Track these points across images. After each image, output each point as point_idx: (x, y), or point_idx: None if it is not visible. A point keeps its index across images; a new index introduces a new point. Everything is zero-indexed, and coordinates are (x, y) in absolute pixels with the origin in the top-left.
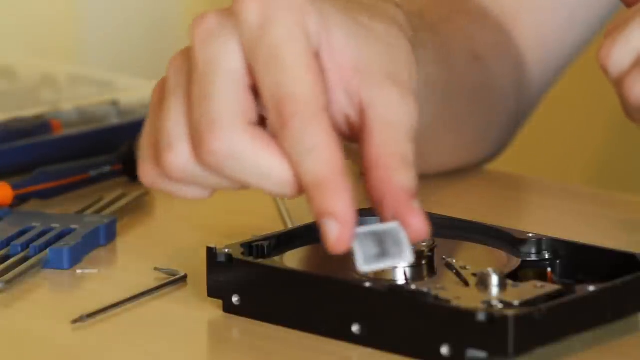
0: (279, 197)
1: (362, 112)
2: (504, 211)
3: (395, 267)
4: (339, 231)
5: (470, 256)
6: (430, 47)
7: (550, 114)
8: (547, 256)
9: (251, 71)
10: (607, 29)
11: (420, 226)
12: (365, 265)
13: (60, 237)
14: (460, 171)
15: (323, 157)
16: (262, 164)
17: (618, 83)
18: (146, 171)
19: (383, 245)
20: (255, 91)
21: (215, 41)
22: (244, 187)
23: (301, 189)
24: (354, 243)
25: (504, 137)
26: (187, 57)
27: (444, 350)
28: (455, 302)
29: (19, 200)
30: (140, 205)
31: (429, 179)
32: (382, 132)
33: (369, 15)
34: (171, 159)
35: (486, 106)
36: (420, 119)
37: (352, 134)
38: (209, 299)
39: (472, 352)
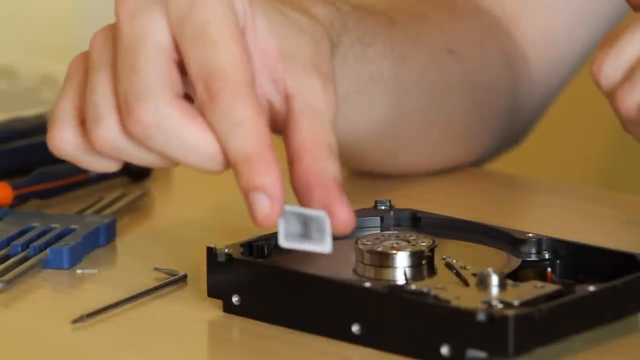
0: (206, 173)
1: (287, 100)
2: (504, 211)
3: (313, 253)
4: (269, 205)
5: (470, 256)
6: (380, 43)
7: (552, 114)
8: (547, 256)
9: (177, 47)
10: (601, 41)
11: (348, 217)
12: (285, 241)
13: (60, 237)
14: (461, 171)
15: (251, 132)
16: (189, 136)
17: (610, 96)
18: (63, 139)
19: (307, 228)
20: (180, 67)
21: (141, 16)
22: (171, 163)
23: (227, 164)
24: (280, 218)
25: (499, 135)
26: (112, 32)
27: (444, 350)
28: (455, 302)
29: (19, 200)
30: (140, 205)
31: (430, 179)
32: (309, 121)
33: (292, 8)
34: (100, 132)
35: (466, 101)
36: (369, 117)
37: (274, 122)
38: (209, 299)
39: (472, 352)
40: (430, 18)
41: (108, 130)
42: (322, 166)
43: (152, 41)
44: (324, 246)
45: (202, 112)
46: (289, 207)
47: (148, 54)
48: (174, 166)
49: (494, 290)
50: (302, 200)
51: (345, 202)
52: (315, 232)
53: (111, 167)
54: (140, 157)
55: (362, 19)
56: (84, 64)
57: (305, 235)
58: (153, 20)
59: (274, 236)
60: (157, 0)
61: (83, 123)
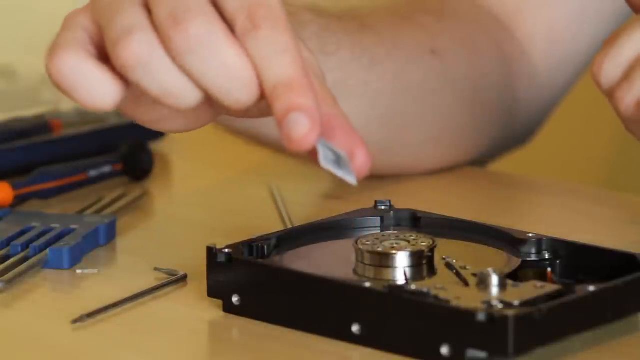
0: (232, 103)
1: None
2: (504, 211)
3: (345, 181)
4: (309, 126)
5: (470, 256)
6: (347, 50)
7: (554, 114)
8: (547, 256)
9: None
10: (603, 43)
11: (368, 160)
12: (325, 162)
13: (60, 237)
14: (461, 171)
15: (295, 58)
16: (229, 57)
17: (610, 96)
18: (67, 58)
19: (338, 158)
20: None
21: None
22: (194, 93)
23: (259, 93)
24: (318, 144)
25: (495, 133)
26: None
27: (444, 350)
28: (455, 302)
29: (19, 200)
30: (140, 205)
31: (430, 179)
32: (317, 81)
33: None
34: (131, 42)
35: (452, 100)
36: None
37: None
38: (209, 299)
39: (472, 352)
40: (414, 20)
41: (142, 41)
42: (338, 111)
43: None
44: (354, 179)
45: (242, 42)
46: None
47: None
48: (190, 101)
49: (494, 290)
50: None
51: (365, 145)
52: (344, 164)
53: (109, 97)
54: (165, 79)
55: (325, 28)
56: (84, 14)
57: (337, 162)
58: None
59: (274, 236)
60: None
61: (92, 52)
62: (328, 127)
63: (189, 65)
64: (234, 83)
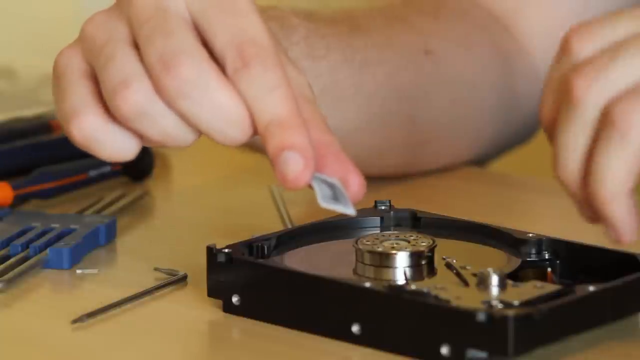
0: (226, 142)
1: None
2: (504, 211)
3: (345, 214)
4: (303, 164)
5: (470, 256)
6: (337, 53)
7: None
8: (547, 256)
9: (195, 22)
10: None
11: (362, 185)
12: (323, 201)
13: (60, 237)
14: (461, 171)
15: (286, 96)
16: (221, 98)
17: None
18: (90, 124)
19: (333, 192)
20: None
21: None
22: (191, 133)
23: (251, 131)
24: (312, 180)
25: (494, 131)
26: (111, 14)
27: (444, 350)
28: (455, 302)
29: (19, 200)
30: (140, 205)
31: (430, 179)
32: (306, 104)
33: None
34: (129, 95)
35: (447, 100)
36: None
37: None
38: (209, 299)
39: (472, 352)
40: (408, 21)
41: (139, 91)
42: (329, 137)
43: (175, 12)
44: (353, 210)
45: (232, 80)
46: (315, 173)
47: (175, 21)
48: (190, 141)
49: (494, 290)
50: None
51: (358, 171)
52: (340, 196)
53: (127, 149)
54: (164, 125)
55: (314, 32)
56: (77, 54)
57: (334, 198)
58: None
59: (274, 236)
60: None
61: (103, 106)
62: (319, 154)
63: (182, 108)
64: (227, 123)
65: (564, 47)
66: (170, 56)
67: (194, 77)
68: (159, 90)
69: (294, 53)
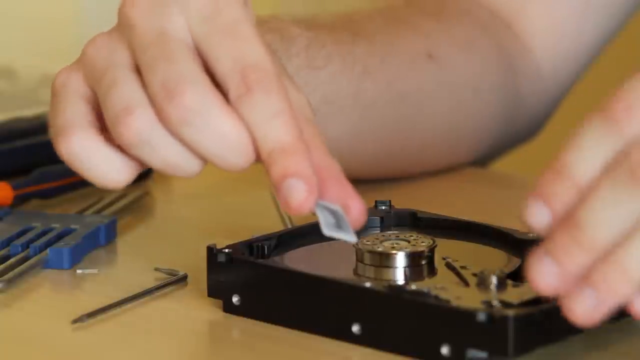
0: (229, 168)
1: None
2: (504, 211)
3: (347, 241)
4: (307, 191)
5: (470, 256)
6: (338, 63)
7: (555, 114)
8: None
9: (198, 46)
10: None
11: (363, 211)
12: (327, 230)
13: (60, 237)
14: (461, 171)
15: (289, 122)
16: (224, 125)
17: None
18: (82, 144)
19: (336, 218)
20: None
21: (160, 15)
22: (194, 160)
23: (254, 157)
24: (316, 208)
25: (497, 131)
26: (113, 37)
27: (444, 350)
28: (455, 302)
29: (19, 200)
30: (140, 205)
31: (430, 179)
32: (306, 126)
33: None
34: (132, 122)
35: (450, 102)
36: (327, 134)
37: None
38: (209, 299)
39: (472, 352)
40: (410, 23)
41: (141, 119)
42: (330, 161)
43: (177, 36)
44: (354, 237)
45: (235, 106)
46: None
47: (177, 46)
48: (194, 170)
49: (494, 290)
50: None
51: (359, 196)
52: (342, 222)
53: (120, 175)
54: (166, 153)
55: (315, 41)
56: (77, 74)
57: (337, 225)
58: (172, 18)
59: (274, 236)
60: (170, 1)
61: (96, 127)
62: (320, 178)
63: (185, 136)
64: (230, 150)
65: (609, 118)
66: (173, 84)
67: (197, 105)
68: (162, 118)
69: (294, 64)
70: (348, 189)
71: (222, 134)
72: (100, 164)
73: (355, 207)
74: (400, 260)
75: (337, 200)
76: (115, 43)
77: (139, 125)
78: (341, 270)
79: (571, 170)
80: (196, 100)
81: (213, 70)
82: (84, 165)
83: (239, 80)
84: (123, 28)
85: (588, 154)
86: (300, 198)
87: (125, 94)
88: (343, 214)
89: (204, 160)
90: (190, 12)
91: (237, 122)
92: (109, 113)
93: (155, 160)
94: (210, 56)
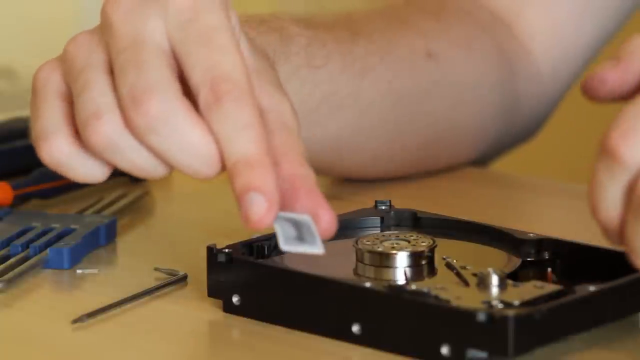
0: (196, 176)
1: (262, 114)
2: (504, 211)
3: (311, 254)
4: (266, 207)
5: (470, 256)
6: (337, 62)
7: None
8: (547, 256)
9: (174, 51)
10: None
11: (333, 221)
12: (285, 245)
13: (60, 237)
14: (461, 171)
15: (256, 135)
16: (191, 134)
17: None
18: (60, 148)
19: (300, 232)
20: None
21: (139, 18)
22: (162, 167)
23: (221, 168)
24: (275, 223)
25: (496, 130)
26: (94, 36)
27: (444, 350)
28: (455, 302)
29: (19, 200)
30: (140, 205)
31: (430, 179)
32: (284, 133)
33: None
34: (100, 127)
35: (449, 102)
36: (326, 134)
37: None
38: (209, 299)
39: (472, 352)
40: (410, 23)
41: (109, 124)
42: (303, 171)
43: (153, 41)
44: (320, 248)
45: (204, 115)
46: (280, 213)
47: (151, 52)
48: (161, 174)
49: (494, 290)
50: (285, 204)
51: (329, 206)
52: (307, 235)
53: (98, 174)
54: (134, 158)
55: (314, 40)
56: (56, 72)
57: (300, 238)
58: (151, 23)
59: (274, 236)
60: (151, 3)
61: (75, 130)
62: (292, 187)
63: (151, 143)
64: (197, 160)
65: (609, 153)
66: (140, 91)
67: (163, 113)
68: (128, 125)
69: (293, 63)
70: (319, 199)
71: (188, 143)
72: (80, 167)
73: (325, 217)
74: (401, 260)
75: (307, 210)
76: (95, 44)
77: (106, 130)
78: (341, 270)
79: (598, 211)
80: (162, 108)
81: (188, 78)
82: (64, 167)
83: (209, 90)
84: (103, 29)
85: (607, 194)
86: (260, 213)
87: (96, 97)
88: (312, 224)
89: (169, 166)
90: (169, 16)
91: (204, 132)
92: (80, 116)
93: (123, 164)
94: (186, 63)
